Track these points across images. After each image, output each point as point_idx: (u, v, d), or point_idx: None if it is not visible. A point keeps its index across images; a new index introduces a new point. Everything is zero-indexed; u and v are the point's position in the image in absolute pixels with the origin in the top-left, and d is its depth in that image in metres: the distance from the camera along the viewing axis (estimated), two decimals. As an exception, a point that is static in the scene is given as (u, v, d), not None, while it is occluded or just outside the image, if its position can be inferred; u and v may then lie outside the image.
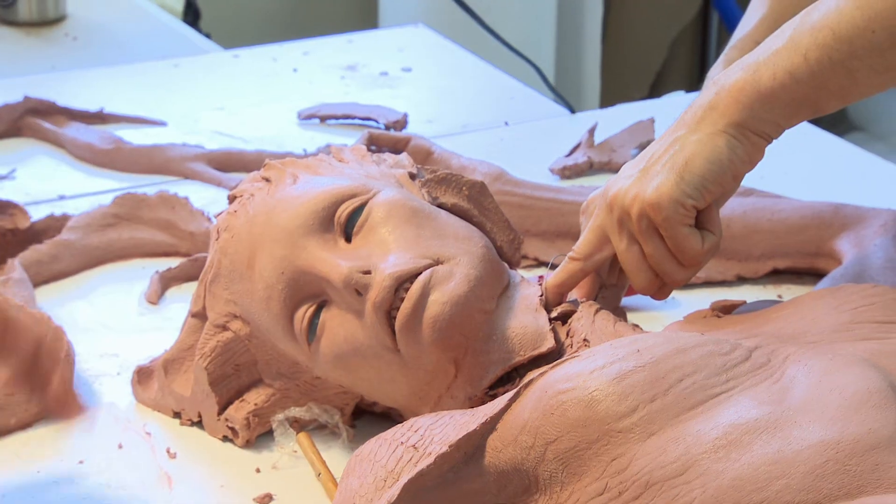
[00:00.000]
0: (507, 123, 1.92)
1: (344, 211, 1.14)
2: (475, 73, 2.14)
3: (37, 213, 1.51)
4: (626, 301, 1.29)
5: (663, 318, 1.34)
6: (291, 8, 3.41)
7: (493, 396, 1.11)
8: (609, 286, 1.23)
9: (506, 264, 1.20)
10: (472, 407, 1.10)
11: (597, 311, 1.16)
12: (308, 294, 1.13)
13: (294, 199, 1.16)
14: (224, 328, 1.20)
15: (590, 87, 3.28)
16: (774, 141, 1.14)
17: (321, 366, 1.15)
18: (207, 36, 2.54)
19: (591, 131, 1.75)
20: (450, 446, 0.95)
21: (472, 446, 0.96)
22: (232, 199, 1.22)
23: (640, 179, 1.13)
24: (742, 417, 0.91)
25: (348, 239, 1.15)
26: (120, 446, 1.20)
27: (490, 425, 0.96)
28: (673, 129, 1.15)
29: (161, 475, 1.16)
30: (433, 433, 0.99)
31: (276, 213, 1.15)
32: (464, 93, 2.05)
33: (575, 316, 1.17)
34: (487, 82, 2.11)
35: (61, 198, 1.65)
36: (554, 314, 1.17)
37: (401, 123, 1.84)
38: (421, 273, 1.10)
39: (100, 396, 1.28)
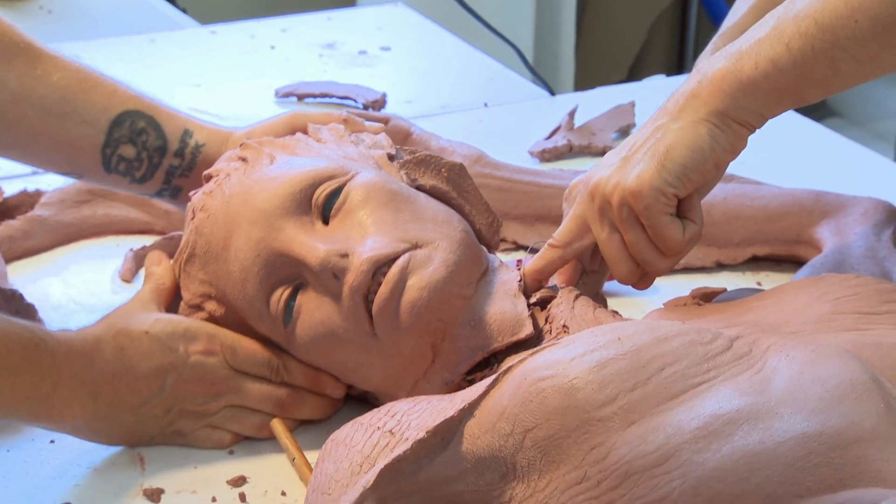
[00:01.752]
0: (486, 105, 1.91)
1: (321, 193, 1.14)
2: (455, 54, 2.14)
3: (10, 189, 1.50)
4: (605, 287, 1.28)
5: (643, 305, 1.34)
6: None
7: (471, 382, 1.11)
8: (590, 272, 1.23)
9: (484, 248, 1.20)
10: (450, 392, 1.10)
11: (577, 297, 1.17)
12: (284, 276, 1.13)
13: (271, 180, 1.16)
14: (199, 308, 1.19)
15: (568, 69, 3.29)
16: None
17: (297, 348, 1.15)
18: (184, 11, 2.53)
19: (571, 114, 1.75)
20: (427, 432, 0.95)
21: (449, 432, 0.96)
22: (208, 178, 1.21)
23: (622, 168, 1.13)
24: (723, 408, 0.91)
25: (326, 221, 1.14)
26: None
27: (468, 411, 0.96)
28: (655, 118, 1.16)
29: (133, 456, 1.15)
30: (410, 418, 0.99)
31: (253, 194, 1.15)
32: (443, 73, 2.05)
33: (554, 302, 1.17)
34: (467, 63, 2.10)
35: (34, 173, 1.62)
36: (533, 300, 1.17)
37: (379, 103, 1.84)
38: (399, 257, 1.09)
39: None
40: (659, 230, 1.13)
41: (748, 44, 1.12)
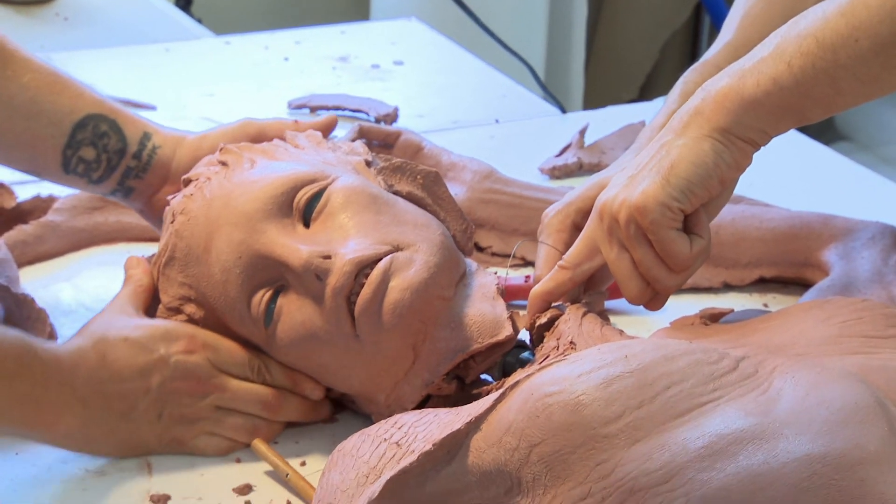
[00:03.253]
0: (497, 121, 1.92)
1: (303, 196, 1.15)
2: (467, 69, 2.14)
3: (23, 194, 1.51)
4: (615, 304, 1.29)
5: (650, 323, 1.34)
6: (284, -3, 3.41)
7: (451, 383, 1.14)
8: (594, 290, 1.23)
9: (460, 252, 1.21)
10: (429, 393, 1.13)
11: (584, 314, 1.17)
12: (266, 278, 1.14)
13: (253, 183, 1.17)
14: (177, 311, 1.20)
15: (579, 87, 3.28)
16: (763, 149, 1.14)
17: (278, 350, 1.16)
18: (199, 21, 2.54)
19: (582, 132, 1.75)
20: (433, 445, 0.95)
21: (455, 446, 0.96)
22: (187, 182, 1.22)
23: (628, 185, 1.14)
24: (728, 427, 0.90)
25: (307, 224, 1.15)
26: None
27: (475, 425, 0.96)
28: (661, 136, 1.16)
29: (141, 462, 1.15)
30: (417, 431, 0.99)
31: (235, 197, 1.16)
32: (455, 89, 2.05)
33: (562, 318, 1.17)
34: (479, 79, 2.11)
35: (48, 178, 1.64)
36: (542, 320, 1.18)
37: (391, 117, 1.84)
38: (381, 259, 1.11)
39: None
40: (666, 245, 1.12)
41: (751, 62, 1.12)
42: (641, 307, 1.20)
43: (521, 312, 1.19)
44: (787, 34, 1.11)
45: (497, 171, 1.57)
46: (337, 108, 1.87)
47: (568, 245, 1.23)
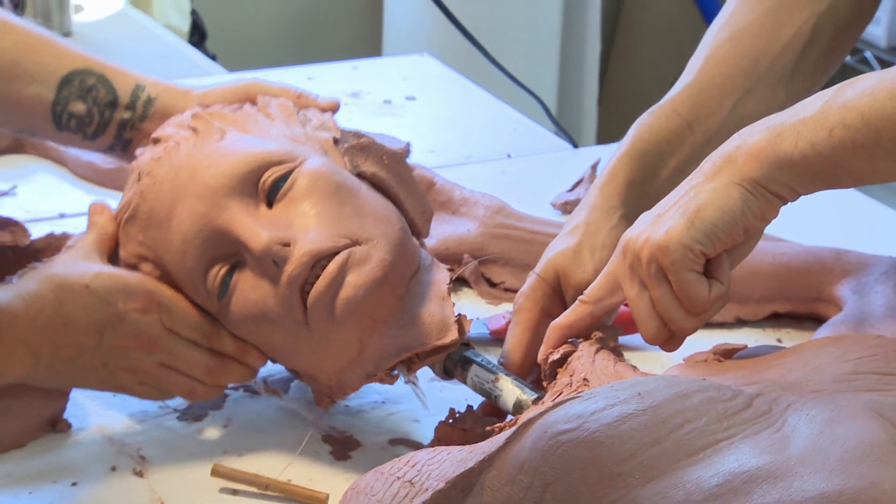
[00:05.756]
0: (509, 156, 1.91)
1: (269, 177, 1.17)
2: (479, 104, 2.14)
3: (37, 231, 1.50)
4: (629, 340, 1.29)
5: (663, 360, 1.33)
6: (297, 32, 3.43)
7: (393, 376, 1.18)
8: (608, 326, 1.23)
9: (417, 244, 1.23)
10: (371, 382, 1.17)
11: (597, 350, 1.17)
12: (223, 253, 1.16)
13: (221, 156, 1.18)
14: (134, 268, 1.22)
15: (591, 122, 3.28)
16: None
17: (228, 321, 1.18)
18: (213, 58, 2.55)
19: (594, 167, 1.75)
20: (446, 483, 0.95)
21: (469, 484, 0.95)
22: (156, 141, 1.23)
23: (653, 224, 1.14)
24: (743, 466, 0.90)
25: (270, 205, 1.17)
26: (113, 468, 1.20)
27: (488, 463, 0.95)
28: (690, 178, 1.16)
29: (154, 499, 1.16)
30: (430, 469, 0.99)
31: (202, 169, 1.17)
32: (467, 123, 2.05)
33: (575, 355, 1.17)
34: (491, 114, 2.11)
35: (62, 216, 1.65)
36: (555, 356, 1.18)
37: (403, 153, 1.83)
38: (339, 253, 1.13)
39: (94, 417, 1.28)
40: (685, 286, 1.12)
41: (791, 121, 1.12)
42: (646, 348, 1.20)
43: (469, 317, 1.20)
44: (833, 101, 1.11)
45: (509, 206, 1.58)
46: (349, 144, 1.87)
47: (537, 322, 1.25)
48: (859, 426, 0.93)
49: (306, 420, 1.28)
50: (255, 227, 1.14)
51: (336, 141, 1.26)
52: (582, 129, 3.25)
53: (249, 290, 1.15)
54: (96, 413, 1.28)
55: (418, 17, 3.03)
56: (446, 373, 1.20)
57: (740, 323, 1.45)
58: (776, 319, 1.45)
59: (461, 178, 1.67)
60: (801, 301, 1.45)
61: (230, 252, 1.16)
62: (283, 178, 1.16)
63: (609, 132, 3.23)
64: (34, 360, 1.14)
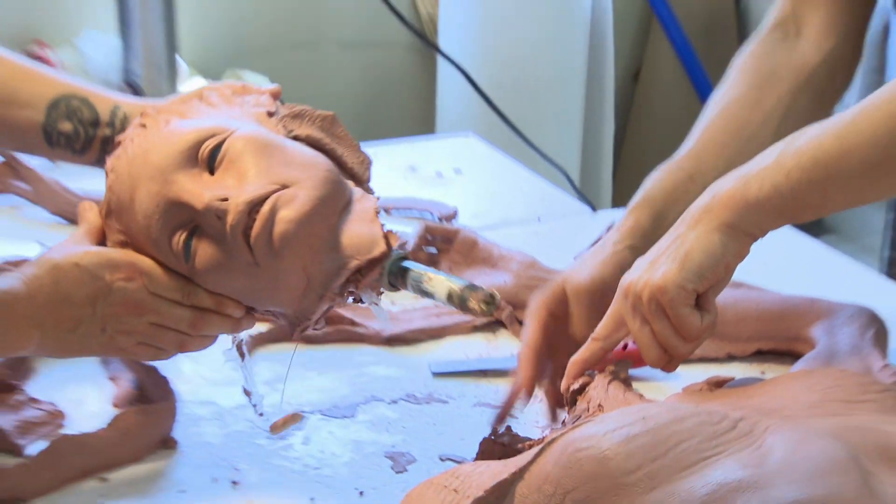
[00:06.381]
0: (539, 219, 1.92)
1: (206, 148, 1.15)
2: (514, 176, 2.15)
3: None
4: (636, 372, 1.29)
5: (665, 389, 1.33)
6: (361, 113, 3.41)
7: (345, 296, 1.16)
8: (619, 361, 1.22)
9: (349, 182, 1.20)
10: (329, 305, 1.16)
11: (610, 381, 1.17)
12: (180, 221, 1.14)
13: (164, 140, 1.17)
14: None
15: (607, 190, 3.29)
16: (761, 242, 1.15)
17: (200, 279, 1.16)
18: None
19: (609, 227, 1.74)
20: (485, 491, 0.95)
21: (503, 492, 0.96)
22: (118, 143, 1.22)
23: (649, 269, 1.14)
24: (728, 478, 0.90)
25: (212, 172, 1.15)
26: (214, 480, 1.22)
27: (519, 475, 0.96)
28: (675, 228, 1.17)
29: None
30: (472, 479, 0.99)
31: (151, 154, 1.16)
32: (504, 192, 2.06)
33: (591, 385, 1.17)
34: (524, 184, 2.11)
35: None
36: (575, 386, 1.18)
37: (451, 216, 1.85)
38: (270, 196, 1.11)
39: (197, 436, 1.30)
40: (681, 320, 1.13)
41: (755, 170, 1.12)
42: (658, 372, 1.20)
43: (395, 230, 1.17)
44: (787, 149, 1.12)
45: (539, 261, 1.59)
46: (406, 209, 1.89)
47: (545, 320, 1.26)
48: (824, 445, 0.93)
49: (374, 440, 1.29)
50: (197, 190, 1.12)
51: (271, 114, 1.23)
52: (600, 196, 3.25)
53: (207, 248, 1.13)
54: (199, 433, 1.29)
55: (466, 103, 3.02)
56: (392, 285, 1.16)
57: (730, 358, 1.45)
58: (760, 356, 1.45)
59: (499, 237, 1.67)
60: (781, 340, 1.44)
61: (186, 219, 1.14)
62: (218, 147, 1.14)
63: (622, 198, 3.22)
64: (40, 333, 1.12)
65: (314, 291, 1.14)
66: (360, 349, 1.50)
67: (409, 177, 2.07)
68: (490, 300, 1.11)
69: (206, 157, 1.15)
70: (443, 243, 1.64)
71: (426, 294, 1.14)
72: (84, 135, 1.29)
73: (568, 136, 3.19)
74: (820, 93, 1.43)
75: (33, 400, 1.31)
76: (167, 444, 1.26)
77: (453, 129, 3.07)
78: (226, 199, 1.11)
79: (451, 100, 3.24)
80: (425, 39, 3.10)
